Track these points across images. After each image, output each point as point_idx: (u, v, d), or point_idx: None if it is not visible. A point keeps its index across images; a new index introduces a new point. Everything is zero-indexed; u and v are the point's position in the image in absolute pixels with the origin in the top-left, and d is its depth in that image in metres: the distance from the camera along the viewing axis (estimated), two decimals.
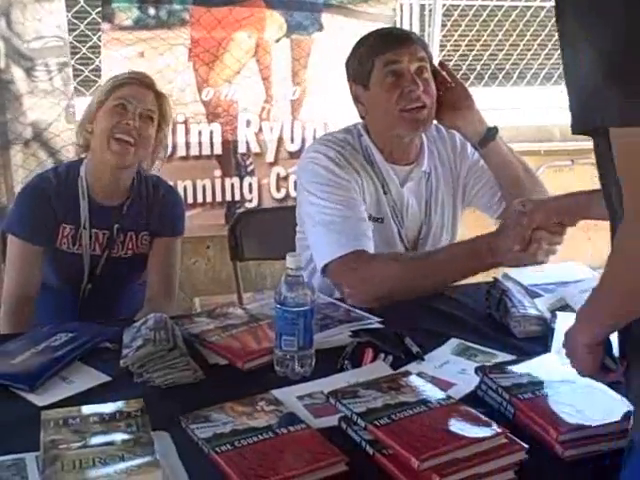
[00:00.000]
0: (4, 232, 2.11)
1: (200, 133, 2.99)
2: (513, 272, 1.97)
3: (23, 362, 1.52)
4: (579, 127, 1.03)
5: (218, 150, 3.03)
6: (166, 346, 1.52)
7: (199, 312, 1.84)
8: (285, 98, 3.05)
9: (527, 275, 1.95)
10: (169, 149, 2.89)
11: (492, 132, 1.99)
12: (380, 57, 1.91)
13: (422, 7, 3.58)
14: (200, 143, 2.97)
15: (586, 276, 2.02)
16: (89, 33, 3.08)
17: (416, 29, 3.42)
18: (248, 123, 3.03)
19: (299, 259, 1.49)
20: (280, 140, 3.15)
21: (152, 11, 2.75)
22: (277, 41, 2.98)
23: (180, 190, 3.00)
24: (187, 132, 2.96)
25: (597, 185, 1.11)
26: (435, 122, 2.06)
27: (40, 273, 2.05)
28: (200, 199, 3.06)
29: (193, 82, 2.91)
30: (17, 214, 2.05)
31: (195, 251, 3.40)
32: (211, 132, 3.00)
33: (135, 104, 1.98)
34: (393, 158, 2.02)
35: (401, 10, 3.44)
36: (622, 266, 1.07)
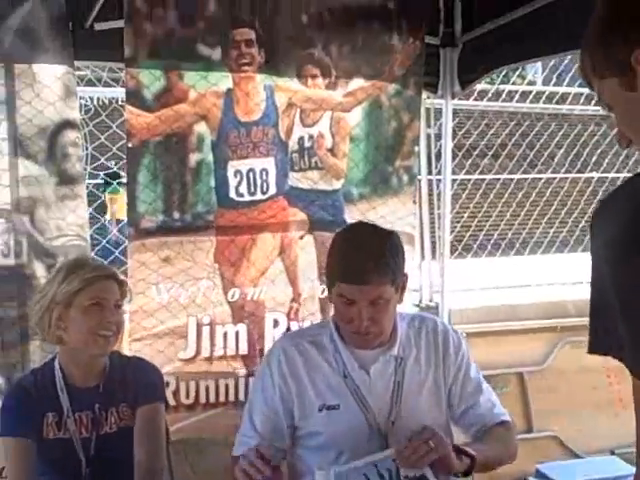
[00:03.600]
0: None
1: (225, 335, 2.95)
2: (547, 469, 1.93)
3: None
4: (594, 350, 1.00)
5: (243, 350, 2.97)
6: None
7: None
8: (314, 297, 2.96)
9: (563, 471, 1.91)
10: (193, 351, 2.86)
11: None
12: (337, 284, 1.92)
13: (429, 182, 3.54)
14: (225, 344, 2.91)
15: (625, 472, 1.95)
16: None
17: (425, 207, 3.42)
18: (276, 323, 2.93)
19: (329, 475, 1.48)
20: None
21: (177, 214, 2.82)
22: (301, 238, 3.00)
23: (202, 391, 2.91)
24: (212, 334, 2.90)
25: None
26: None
27: (35, 469, 2.00)
28: (222, 398, 2.95)
29: (219, 283, 2.91)
30: (4, 415, 2.06)
31: None
32: (237, 332, 2.95)
33: (109, 299, 2.07)
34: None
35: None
36: None
